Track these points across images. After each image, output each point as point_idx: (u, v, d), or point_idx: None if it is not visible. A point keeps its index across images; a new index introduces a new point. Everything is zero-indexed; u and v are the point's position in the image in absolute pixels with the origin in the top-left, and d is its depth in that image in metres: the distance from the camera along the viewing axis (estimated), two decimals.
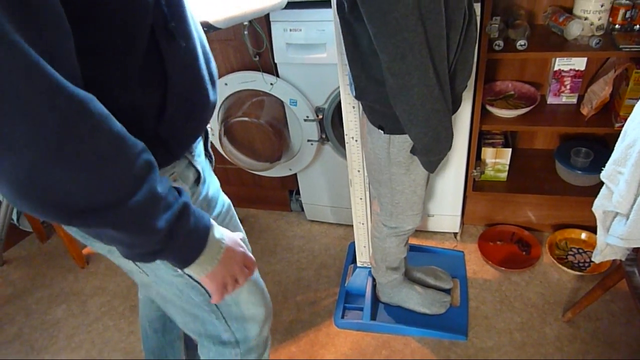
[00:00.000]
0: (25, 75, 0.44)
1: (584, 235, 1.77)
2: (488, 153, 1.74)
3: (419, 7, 0.85)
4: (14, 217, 2.01)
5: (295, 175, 1.89)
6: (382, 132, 1.14)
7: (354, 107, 1.28)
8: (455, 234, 1.87)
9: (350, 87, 1.15)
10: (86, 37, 0.53)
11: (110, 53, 0.58)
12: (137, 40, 0.60)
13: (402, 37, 0.87)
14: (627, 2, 1.45)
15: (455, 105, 1.12)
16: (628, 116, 1.04)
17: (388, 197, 1.28)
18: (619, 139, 1.02)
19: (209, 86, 0.75)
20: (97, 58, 0.57)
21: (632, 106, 1.08)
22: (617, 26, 1.48)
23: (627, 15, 1.46)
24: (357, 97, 1.12)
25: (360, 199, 1.48)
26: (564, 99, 1.67)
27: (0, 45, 0.43)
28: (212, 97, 0.76)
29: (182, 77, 0.68)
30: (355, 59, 1.04)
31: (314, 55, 1.50)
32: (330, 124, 1.65)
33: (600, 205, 1.06)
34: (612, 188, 1.00)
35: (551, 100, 1.68)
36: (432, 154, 1.08)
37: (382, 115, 1.11)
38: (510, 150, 1.71)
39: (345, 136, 1.34)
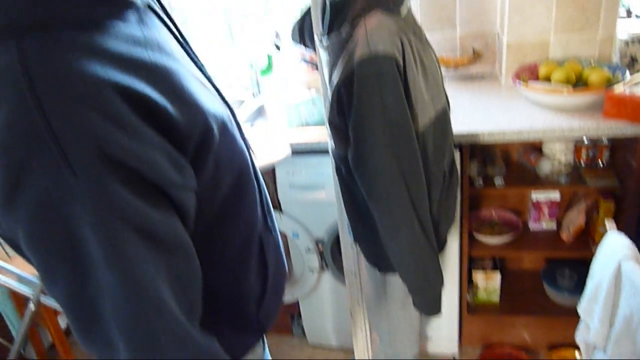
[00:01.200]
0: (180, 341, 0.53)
1: (578, 354, 1.83)
2: (479, 276, 1.85)
3: (402, 174, 1.01)
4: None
5: (297, 300, 1.97)
6: (377, 270, 1.26)
7: (352, 247, 1.41)
8: (454, 358, 1.92)
9: (348, 230, 1.29)
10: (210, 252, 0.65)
11: (230, 261, 0.70)
12: (252, 245, 0.73)
13: (389, 198, 1.03)
14: (588, 143, 1.65)
15: (441, 245, 1.26)
16: None
17: (385, 329, 1.37)
18: (589, 277, 1.15)
19: (285, 259, 0.86)
20: (219, 269, 0.68)
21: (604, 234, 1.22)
22: (582, 163, 1.67)
23: (590, 154, 1.66)
24: (354, 240, 1.25)
25: (361, 329, 1.56)
26: (544, 225, 1.82)
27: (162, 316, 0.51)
28: (286, 267, 0.86)
29: (274, 262, 0.79)
30: (352, 211, 1.20)
31: (314, 194, 1.67)
32: (330, 253, 1.78)
33: (581, 339, 1.15)
34: (589, 323, 1.10)
35: (532, 226, 1.83)
36: (424, 293, 1.19)
37: (377, 256, 1.24)
38: (499, 273, 1.82)
39: (344, 270, 1.46)
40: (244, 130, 0.75)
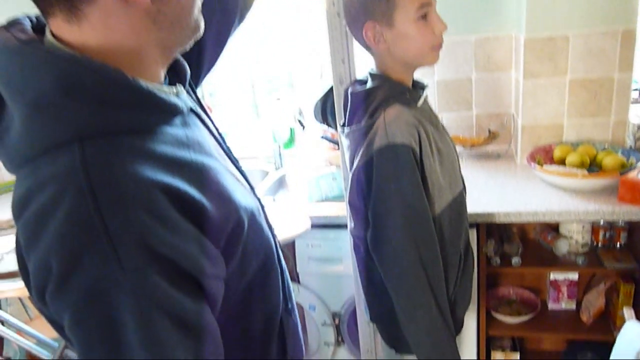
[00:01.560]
0: None
1: None
2: (498, 356, 1.81)
3: (420, 257, 1.04)
4: None
5: None
6: (394, 350, 1.26)
7: (368, 324, 1.42)
8: None
9: (365, 309, 1.31)
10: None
11: (251, 343, 0.74)
12: (273, 327, 0.76)
13: (407, 281, 1.05)
14: (606, 224, 1.66)
15: (458, 327, 1.26)
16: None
17: None
18: None
19: (302, 339, 0.88)
20: (240, 350, 0.72)
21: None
22: (600, 244, 1.68)
23: (607, 235, 1.67)
24: (371, 319, 1.27)
25: None
26: (563, 305, 1.80)
27: None
28: (304, 348, 0.89)
29: (293, 343, 0.81)
30: (370, 290, 1.22)
31: (332, 267, 1.70)
32: (347, 328, 1.78)
33: None
34: None
35: (552, 306, 1.81)
36: None
37: (394, 337, 1.24)
38: (518, 354, 1.79)
39: (360, 348, 1.46)
40: (269, 219, 0.80)
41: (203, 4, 0.82)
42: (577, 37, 1.65)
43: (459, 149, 1.93)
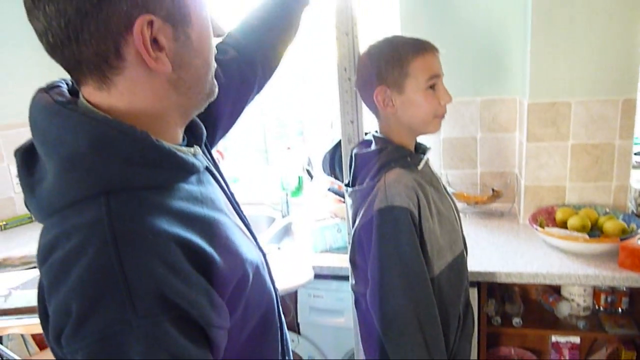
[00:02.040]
0: None
1: None
2: None
3: (417, 317, 1.05)
4: None
5: None
6: None
7: None
8: None
9: None
10: None
11: None
12: None
13: (404, 341, 1.07)
14: (607, 288, 1.67)
15: None
16: None
17: None
18: None
19: None
20: None
21: None
22: (601, 308, 1.68)
23: (609, 299, 1.67)
24: None
25: None
26: None
27: None
28: None
29: None
30: (369, 346, 1.23)
31: (333, 319, 1.70)
32: None
33: None
34: None
35: None
36: None
37: None
38: None
39: None
40: (272, 272, 0.83)
41: (223, 72, 0.89)
42: (579, 104, 1.71)
43: (462, 206, 1.97)
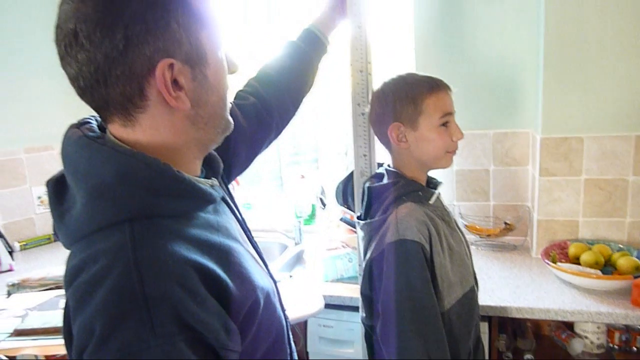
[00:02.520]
0: None
1: None
2: None
3: (427, 352, 1.05)
4: None
5: None
6: None
7: None
8: None
9: None
10: None
11: None
12: None
13: None
14: (621, 326, 1.65)
15: None
16: None
17: None
18: None
19: None
20: None
21: None
22: (616, 347, 1.65)
23: (623, 337, 1.65)
24: None
25: None
26: None
27: None
28: None
29: None
30: None
31: (342, 350, 1.70)
32: None
33: None
34: None
35: None
36: None
37: None
38: None
39: None
40: (282, 300, 0.86)
41: (243, 116, 0.94)
42: (591, 139, 1.72)
43: (474, 238, 1.97)
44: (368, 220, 1.16)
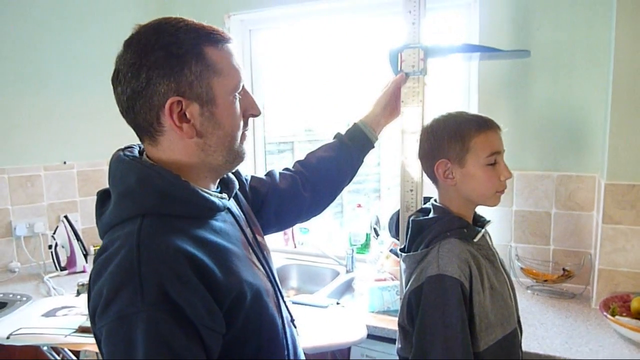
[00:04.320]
0: None
1: None
2: None
3: None
4: None
5: None
6: None
7: None
8: None
9: None
10: None
11: None
12: None
13: None
14: None
15: None
16: None
17: None
18: None
19: None
20: None
21: None
22: None
23: None
24: None
25: None
26: None
27: None
28: None
29: None
30: None
31: None
32: None
33: None
34: None
35: None
36: None
37: None
38: None
39: None
40: (287, 308, 0.99)
41: (281, 177, 1.25)
42: None
43: (531, 282, 1.91)
44: (410, 253, 1.18)
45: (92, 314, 0.75)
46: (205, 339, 0.74)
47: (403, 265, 1.23)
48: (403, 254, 1.22)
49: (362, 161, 1.34)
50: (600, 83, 1.79)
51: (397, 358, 1.68)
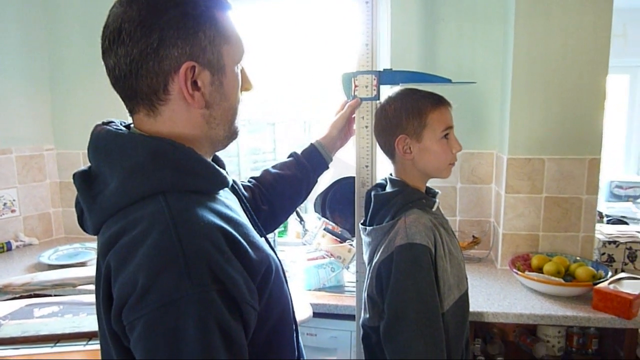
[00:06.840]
0: None
1: None
2: None
3: (426, 351, 1.12)
4: None
5: None
6: None
7: None
8: None
9: None
10: None
11: None
12: None
13: None
14: (578, 331, 1.81)
15: None
16: None
17: None
18: None
19: None
20: None
21: None
22: (574, 350, 1.81)
23: (580, 341, 1.81)
24: None
25: None
26: None
27: None
28: None
29: None
30: None
31: (326, 356, 1.74)
32: None
33: None
34: None
35: None
36: None
37: None
38: None
39: None
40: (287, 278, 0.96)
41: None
42: (551, 160, 1.90)
43: None
44: (376, 226, 1.23)
45: (119, 308, 0.65)
46: (246, 317, 0.70)
47: (367, 239, 1.27)
48: (367, 227, 1.26)
49: (317, 181, 1.35)
50: (498, 65, 2.01)
51: (338, 331, 1.75)
